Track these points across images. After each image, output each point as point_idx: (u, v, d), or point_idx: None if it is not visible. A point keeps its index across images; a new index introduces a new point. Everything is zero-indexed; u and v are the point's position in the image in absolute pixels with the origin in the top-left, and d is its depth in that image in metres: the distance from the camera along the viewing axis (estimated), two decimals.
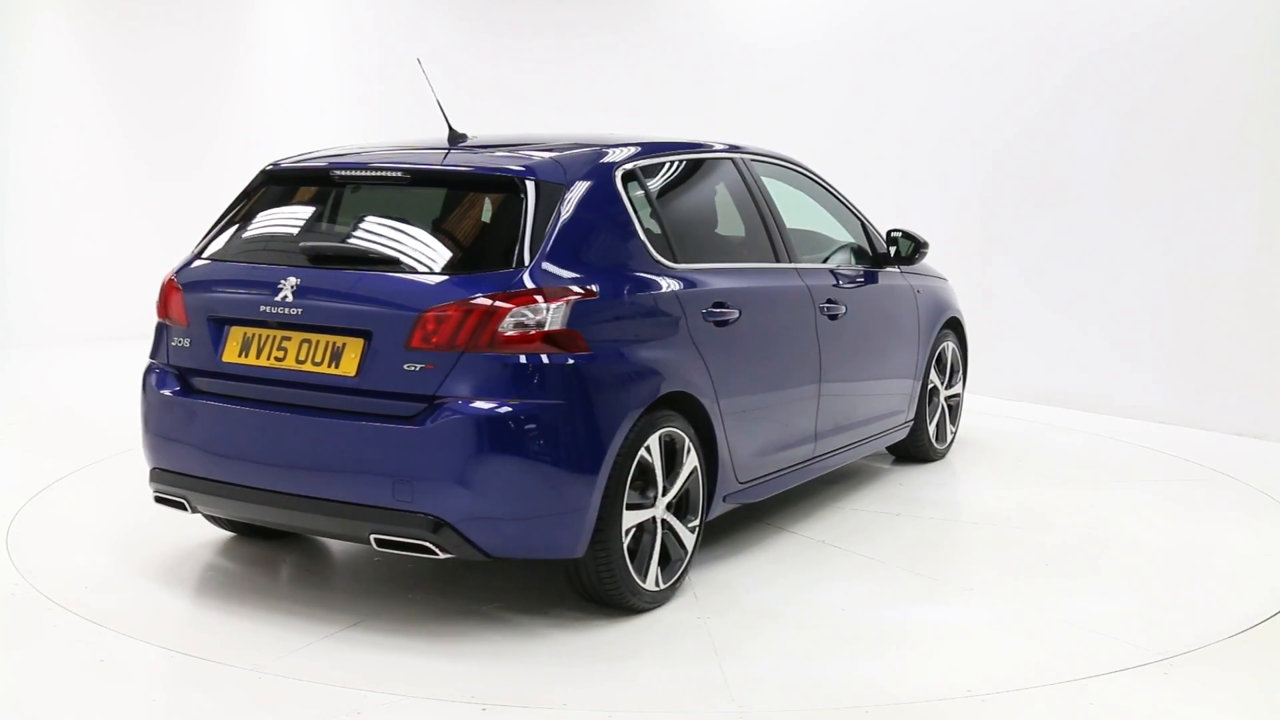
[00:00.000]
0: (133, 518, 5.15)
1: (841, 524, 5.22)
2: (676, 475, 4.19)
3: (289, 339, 3.95)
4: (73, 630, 3.94)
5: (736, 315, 4.49)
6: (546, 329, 3.76)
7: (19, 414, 7.58)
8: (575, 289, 3.86)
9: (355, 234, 4.16)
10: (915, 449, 6.19)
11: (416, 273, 3.87)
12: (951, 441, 6.49)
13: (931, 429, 6.20)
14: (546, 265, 3.84)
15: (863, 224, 5.72)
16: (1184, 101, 7.33)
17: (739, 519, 5.17)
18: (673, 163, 4.76)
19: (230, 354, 4.06)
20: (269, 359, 3.97)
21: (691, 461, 4.25)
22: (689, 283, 4.33)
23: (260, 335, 4.01)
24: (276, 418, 3.92)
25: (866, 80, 8.90)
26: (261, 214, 4.36)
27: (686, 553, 4.26)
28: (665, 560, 4.17)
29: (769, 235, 4.99)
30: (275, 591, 4.33)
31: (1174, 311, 7.44)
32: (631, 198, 4.29)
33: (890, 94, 8.75)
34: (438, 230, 4.05)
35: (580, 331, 3.83)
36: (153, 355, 4.35)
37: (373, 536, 3.78)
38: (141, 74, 10.85)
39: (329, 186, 4.34)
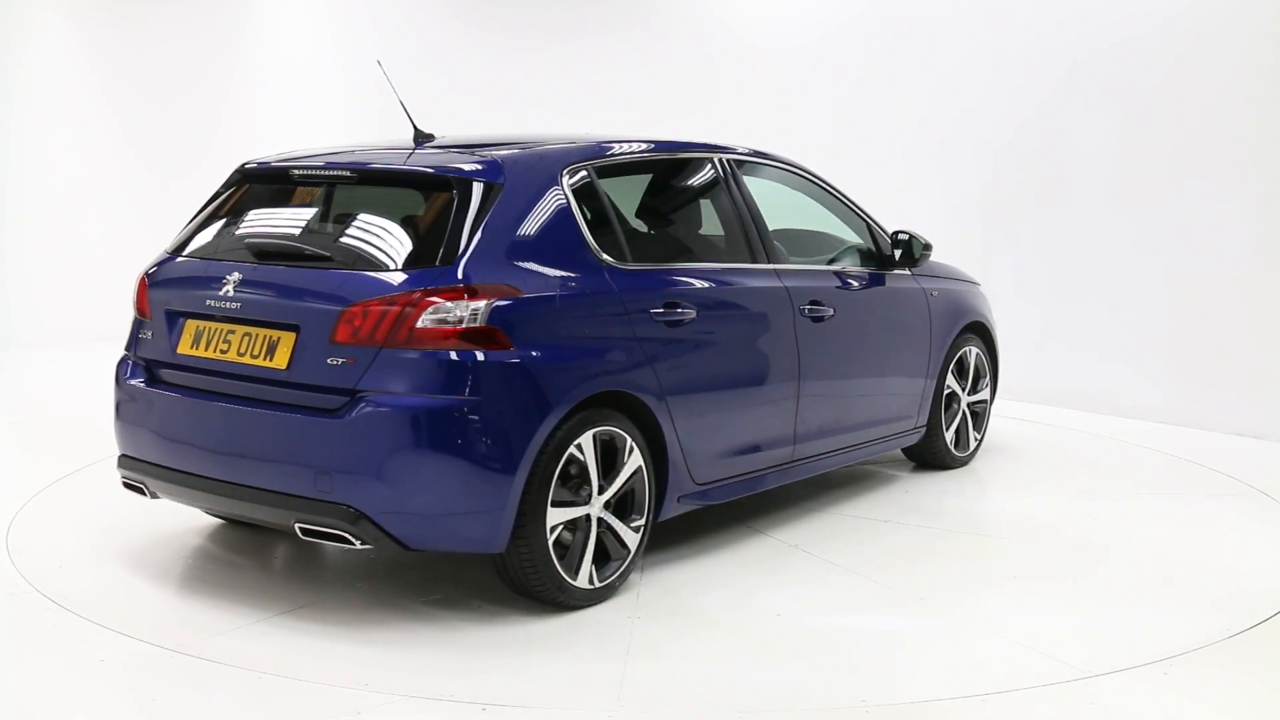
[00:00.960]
0: (133, 518, 5.15)
1: (821, 529, 5.14)
2: (616, 474, 4.20)
3: (233, 332, 4.09)
4: (73, 630, 3.94)
5: (692, 315, 4.47)
6: (464, 326, 3.81)
7: (19, 414, 7.58)
8: (498, 287, 3.90)
9: (298, 231, 4.32)
10: (931, 455, 6.06)
11: (346, 269, 3.98)
12: (976, 449, 6.31)
13: (949, 435, 6.05)
14: (470, 263, 3.89)
15: (868, 226, 5.63)
16: (1184, 103, 7.33)
17: (715, 520, 5.17)
18: (637, 163, 4.84)
19: (184, 346, 4.23)
20: (215, 351, 4.12)
21: (635, 461, 4.25)
22: (637, 282, 4.33)
23: (209, 328, 4.16)
24: (219, 408, 4.07)
25: (867, 81, 8.90)
26: (227, 212, 4.52)
27: (629, 552, 4.26)
28: (606, 559, 4.20)
29: (746, 236, 4.94)
30: (276, 592, 4.33)
31: (1174, 311, 7.44)
32: (579, 198, 4.31)
33: (891, 95, 8.75)
34: (373, 228, 4.15)
35: (501, 329, 3.86)
36: (126, 347, 4.54)
37: (297, 525, 3.89)
38: (141, 74, 10.85)
39: (288, 185, 4.50)
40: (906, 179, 8.65)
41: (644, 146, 4.85)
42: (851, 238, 5.65)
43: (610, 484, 4.18)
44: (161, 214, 10.59)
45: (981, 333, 6.25)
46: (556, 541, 4.02)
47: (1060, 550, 4.95)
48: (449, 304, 3.81)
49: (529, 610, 4.11)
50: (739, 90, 9.57)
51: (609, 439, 4.17)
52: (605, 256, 4.28)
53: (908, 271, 5.72)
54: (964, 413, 6.15)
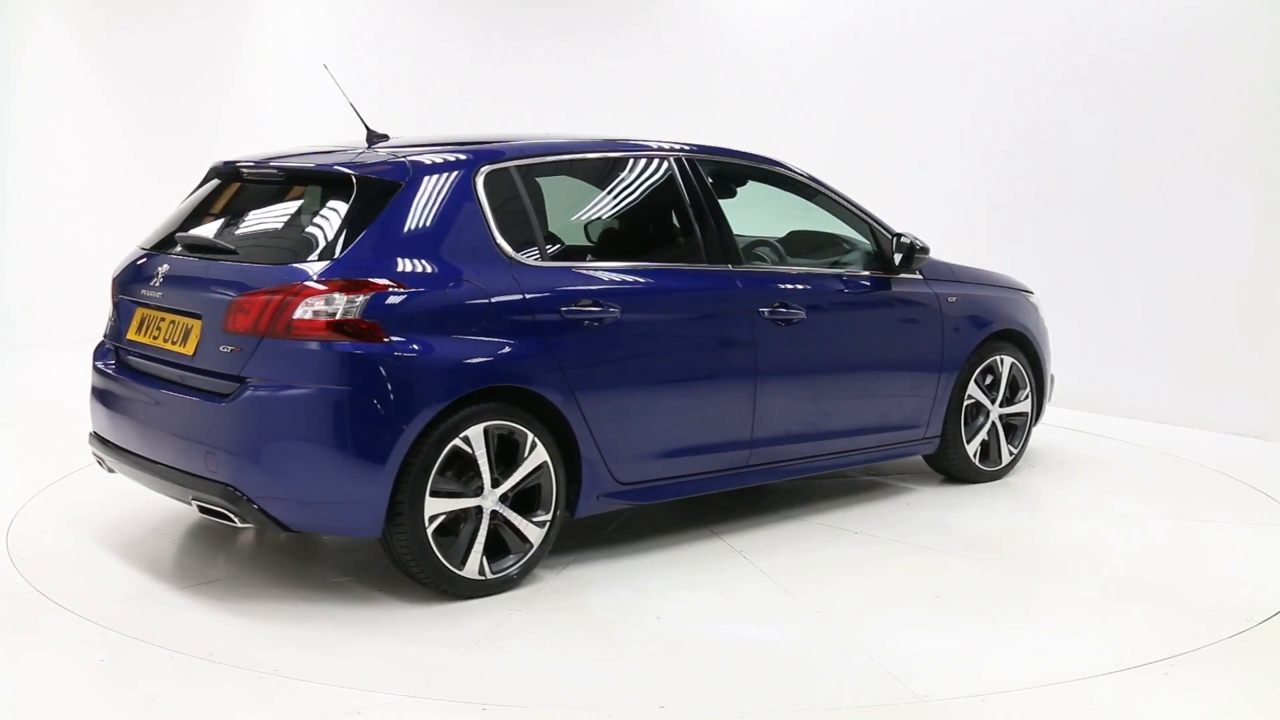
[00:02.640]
0: (133, 517, 5.15)
1: (779, 535, 5.04)
2: (515, 469, 4.25)
3: (164, 319, 4.40)
4: (73, 630, 3.95)
5: (615, 314, 4.48)
6: (339, 318, 3.95)
7: (19, 414, 7.58)
8: (377, 281, 4.02)
9: (220, 226, 4.54)
10: (952, 468, 5.81)
11: (246, 262, 4.23)
12: (1011, 464, 5.98)
13: (971, 448, 5.76)
14: (355, 258, 4.04)
15: (871, 228, 5.44)
16: (1184, 103, 7.33)
17: (673, 519, 5.19)
18: (574, 163, 4.87)
19: (131, 331, 4.59)
20: (149, 336, 4.45)
21: (539, 457, 4.29)
22: (548, 280, 4.36)
23: (148, 316, 4.48)
24: (147, 389, 4.39)
25: (870, 81, 8.90)
26: (187, 207, 4.77)
27: (531, 546, 4.32)
28: (505, 552, 4.28)
29: (701, 236, 4.89)
30: (276, 592, 4.33)
31: (1173, 311, 7.44)
32: (493, 198, 4.37)
33: (892, 95, 8.75)
34: (280, 224, 4.42)
35: (378, 322, 3.98)
36: (104, 334, 4.89)
37: (193, 501, 4.14)
38: (141, 74, 10.85)
39: (232, 184, 4.71)
40: (908, 179, 8.64)
41: (586, 146, 4.89)
42: (861, 241, 5.52)
43: (505, 478, 4.23)
44: (161, 214, 10.60)
45: (1020, 342, 5.95)
46: (443, 530, 4.13)
47: (1029, 564, 4.81)
48: (324, 297, 3.96)
49: (404, 594, 4.24)
50: (741, 90, 9.57)
51: (507, 434, 4.23)
52: (515, 255, 4.34)
53: (917, 275, 5.52)
54: (994, 425, 5.86)
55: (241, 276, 4.14)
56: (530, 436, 4.27)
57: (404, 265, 4.10)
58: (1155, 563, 4.81)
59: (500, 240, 4.33)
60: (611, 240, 5.04)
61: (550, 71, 10.54)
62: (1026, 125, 8.06)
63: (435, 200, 4.26)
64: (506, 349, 4.22)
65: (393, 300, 4.03)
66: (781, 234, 5.63)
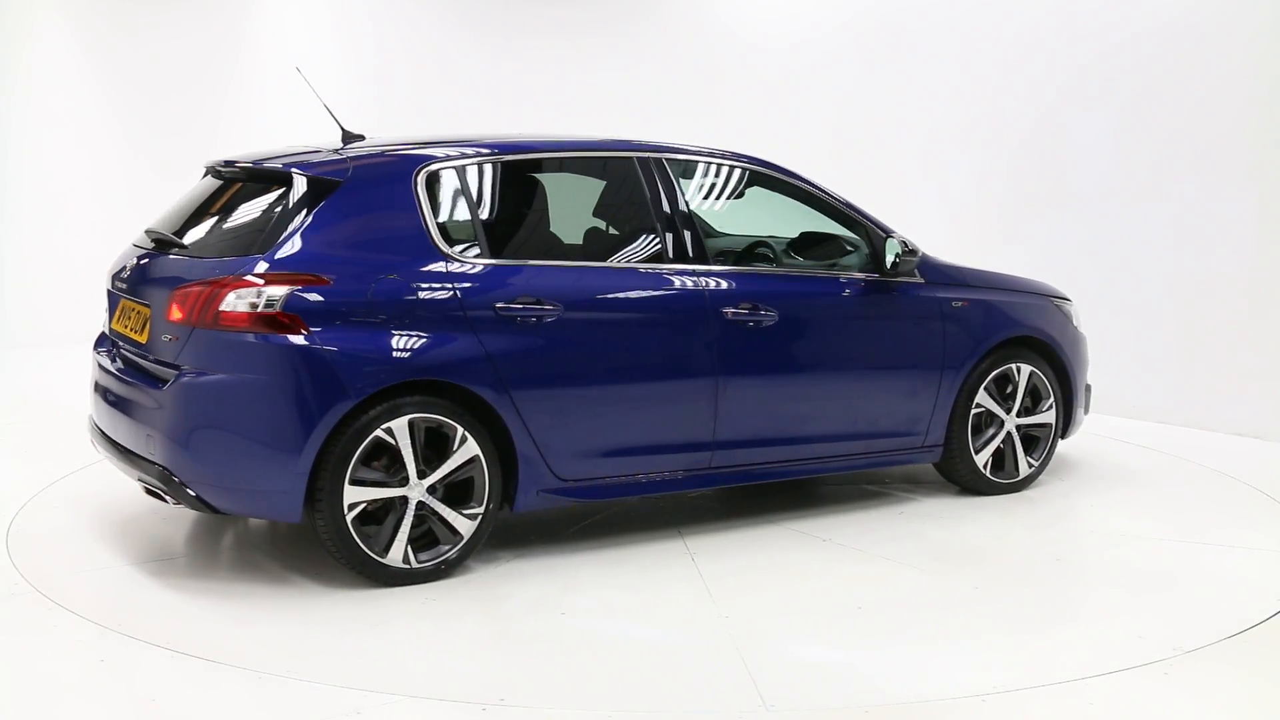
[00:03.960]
0: (133, 518, 5.15)
1: (740, 540, 4.97)
2: (444, 462, 4.34)
3: (131, 309, 4.60)
4: (73, 630, 3.95)
5: (556, 312, 4.50)
6: (262, 310, 4.10)
7: (19, 414, 7.58)
8: (301, 275, 4.16)
9: (188, 222, 4.67)
10: (960, 479, 5.62)
11: (193, 256, 4.41)
12: (1031, 476, 5.74)
13: (980, 458, 5.55)
14: (284, 252, 4.20)
15: (866, 229, 5.31)
16: (1183, 102, 7.33)
17: (634, 519, 5.18)
18: (526, 163, 4.88)
19: (113, 321, 4.81)
20: (122, 325, 4.67)
21: (469, 451, 4.36)
22: (484, 278, 4.43)
23: (125, 305, 4.67)
24: (117, 376, 4.59)
25: (870, 81, 8.90)
26: (175, 203, 4.94)
27: (461, 538, 4.40)
28: (434, 542, 4.38)
29: (663, 235, 4.87)
30: (277, 592, 4.33)
31: (1174, 311, 7.44)
32: (435, 197, 4.48)
33: (893, 95, 8.75)
34: (230, 220, 4.57)
35: (301, 315, 4.12)
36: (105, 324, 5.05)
37: (139, 480, 4.42)
38: (142, 74, 10.85)
39: (211, 181, 4.85)
40: (909, 179, 8.64)
41: (544, 146, 4.93)
42: (861, 242, 5.37)
43: (433, 470, 4.32)
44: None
45: (1042, 349, 5.72)
46: (373, 518, 4.27)
47: (994, 575, 4.62)
48: (249, 289, 4.13)
49: (324, 580, 4.28)
50: (742, 90, 9.57)
51: (436, 427, 4.31)
52: (452, 252, 4.42)
53: (917, 277, 5.36)
54: (1011, 435, 5.64)
55: (182, 269, 4.36)
56: (460, 430, 4.34)
57: (332, 261, 4.23)
58: (1155, 563, 4.80)
59: (437, 238, 4.41)
60: (563, 239, 5.00)
61: (550, 71, 10.53)
62: (1027, 126, 8.06)
63: (372, 199, 4.41)
64: (433, 344, 4.29)
65: (316, 294, 4.16)
66: (793, 235, 5.48)
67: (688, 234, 4.91)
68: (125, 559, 4.67)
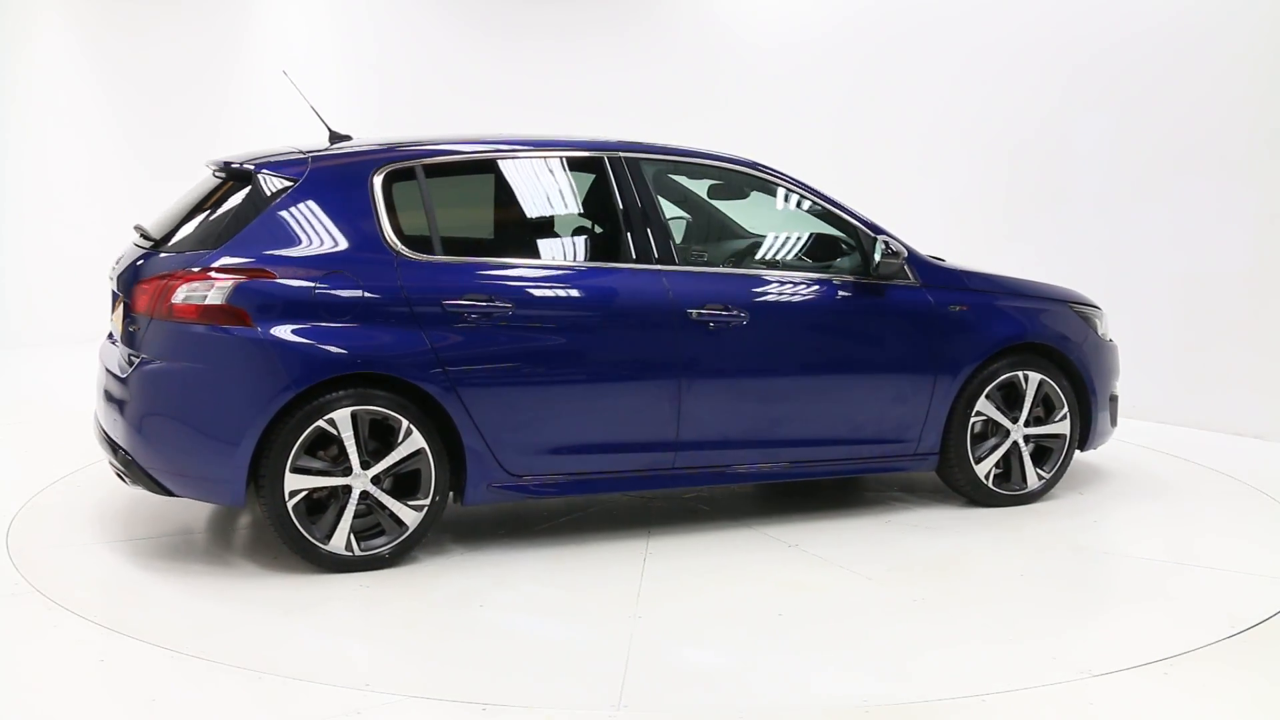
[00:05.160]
0: (134, 518, 5.16)
1: (705, 542, 4.93)
2: (389, 453, 4.46)
3: (117, 301, 4.78)
4: (73, 630, 3.95)
5: (506, 310, 4.56)
6: (207, 303, 4.30)
7: (19, 414, 7.58)
8: (251, 270, 4.34)
9: (173, 219, 4.78)
10: (960, 489, 5.42)
11: (162, 250, 4.55)
12: (1042, 488, 5.51)
13: (981, 469, 5.36)
14: (233, 248, 4.39)
15: (857, 231, 5.18)
16: (1183, 102, 7.33)
17: (616, 520, 5.18)
18: (488, 163, 4.91)
19: (112, 315, 4.94)
20: (115, 319, 4.81)
21: (415, 444, 4.47)
22: (432, 276, 4.52)
23: (118, 300, 4.78)
24: (106, 366, 4.74)
25: (868, 81, 8.90)
26: (172, 203, 5.04)
27: (405, 528, 4.52)
28: (381, 531, 4.52)
29: (629, 235, 4.85)
30: (277, 592, 4.34)
31: (1174, 311, 7.44)
32: (390, 196, 4.59)
33: (893, 95, 8.76)
34: (202, 217, 4.67)
35: (245, 308, 4.30)
36: None
37: (109, 463, 4.63)
38: (142, 74, 10.86)
39: (207, 179, 4.96)
40: (909, 179, 8.65)
41: (510, 146, 4.95)
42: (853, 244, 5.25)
43: (377, 461, 4.45)
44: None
45: (1056, 357, 5.49)
46: (321, 506, 4.43)
47: (947, 588, 4.48)
48: (197, 283, 4.32)
49: (273, 565, 4.43)
50: (742, 90, 9.58)
51: (382, 419, 4.43)
52: (403, 250, 4.52)
53: (913, 280, 5.23)
54: (1018, 446, 5.43)
55: (149, 263, 4.53)
56: (405, 424, 4.45)
57: (281, 257, 4.39)
58: (1155, 563, 4.80)
59: (389, 236, 4.53)
60: (522, 238, 4.99)
61: (550, 72, 10.54)
62: (1028, 125, 8.06)
63: (326, 197, 4.55)
64: (375, 339, 4.41)
65: (262, 288, 4.33)
66: (802, 235, 5.36)
67: (654, 234, 4.90)
68: (125, 559, 4.67)
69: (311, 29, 11.60)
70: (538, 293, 4.66)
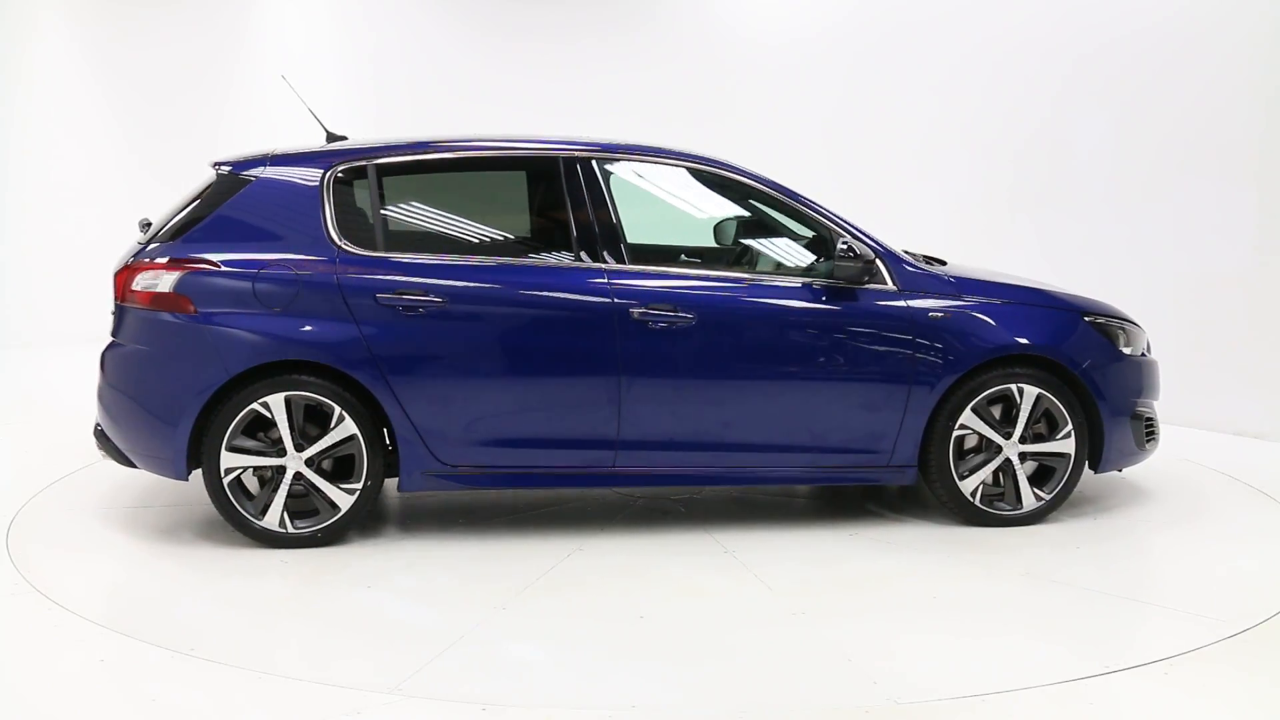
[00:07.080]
0: (133, 517, 5.16)
1: (641, 545, 4.90)
2: (321, 438, 4.72)
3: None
4: (73, 630, 3.95)
5: (441, 305, 4.73)
6: (157, 290, 4.68)
7: (19, 414, 7.58)
8: (195, 261, 4.69)
9: (164, 215, 5.01)
10: (946, 506, 5.16)
11: (144, 241, 4.84)
12: (1041, 510, 5.18)
13: (966, 486, 5.09)
14: (184, 241, 4.77)
15: (830, 232, 5.02)
16: (1182, 102, 7.33)
17: (581, 519, 5.18)
18: (441, 162, 5.07)
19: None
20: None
21: (346, 430, 4.72)
22: (368, 270, 4.73)
23: None
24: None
25: (868, 81, 8.90)
26: (175, 200, 5.21)
27: (338, 511, 4.77)
28: (317, 511, 4.79)
29: (575, 234, 4.88)
30: (276, 592, 4.34)
31: (1174, 311, 7.44)
32: (339, 194, 4.85)
33: (892, 95, 8.76)
34: (179, 210, 4.94)
35: (189, 296, 4.67)
36: None
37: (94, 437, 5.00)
38: (142, 75, 10.87)
39: (207, 177, 5.11)
40: (908, 179, 8.65)
41: (467, 146, 5.07)
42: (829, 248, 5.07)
43: (309, 444, 4.72)
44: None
45: (1060, 371, 5.14)
46: (262, 484, 4.76)
47: (864, 602, 4.24)
48: (151, 272, 4.71)
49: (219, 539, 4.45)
50: (742, 90, 9.58)
51: (315, 405, 4.71)
52: (345, 245, 4.76)
53: (890, 285, 5.02)
54: (1012, 464, 5.13)
55: (129, 253, 4.86)
56: (337, 410, 4.71)
57: (228, 249, 4.72)
58: (1155, 563, 4.80)
59: (333, 231, 4.79)
60: (469, 236, 5.04)
61: (548, 73, 10.54)
62: (1028, 125, 8.07)
63: (277, 195, 4.85)
64: (309, 328, 4.68)
65: (206, 278, 4.68)
66: (807, 235, 5.24)
67: (603, 233, 4.91)
68: (125, 559, 4.68)
69: (310, 31, 11.61)
70: (471, 287, 4.79)
